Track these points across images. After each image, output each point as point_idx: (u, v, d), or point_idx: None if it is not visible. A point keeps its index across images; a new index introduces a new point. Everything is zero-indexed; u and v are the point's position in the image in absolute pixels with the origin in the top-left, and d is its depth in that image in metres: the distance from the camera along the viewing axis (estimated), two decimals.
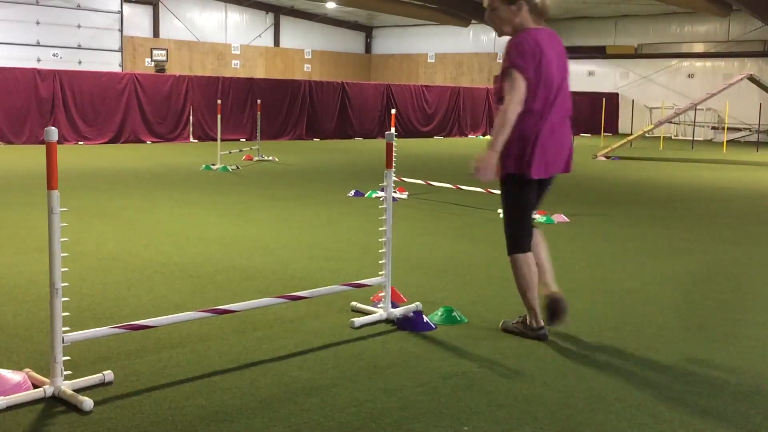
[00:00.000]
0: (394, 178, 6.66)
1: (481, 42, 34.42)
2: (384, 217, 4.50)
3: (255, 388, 3.45)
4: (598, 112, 26.04)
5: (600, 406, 3.34)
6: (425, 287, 5.32)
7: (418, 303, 4.65)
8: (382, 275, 4.52)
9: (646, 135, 20.94)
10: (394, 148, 4.76)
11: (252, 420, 3.13)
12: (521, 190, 4.28)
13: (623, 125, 29.72)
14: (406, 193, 10.04)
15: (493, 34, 33.16)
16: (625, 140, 18.77)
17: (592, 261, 6.41)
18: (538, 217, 8.30)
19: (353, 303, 4.72)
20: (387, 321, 4.45)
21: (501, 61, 4.22)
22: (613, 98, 29.39)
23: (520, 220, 4.34)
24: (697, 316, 4.84)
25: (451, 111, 24.47)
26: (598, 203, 10.09)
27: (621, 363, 3.91)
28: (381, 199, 4.65)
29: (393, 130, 6.34)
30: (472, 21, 32.35)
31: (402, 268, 5.63)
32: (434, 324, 4.42)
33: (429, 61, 35.74)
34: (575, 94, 27.78)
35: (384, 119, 22.17)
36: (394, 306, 4.55)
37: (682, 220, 8.85)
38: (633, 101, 28.62)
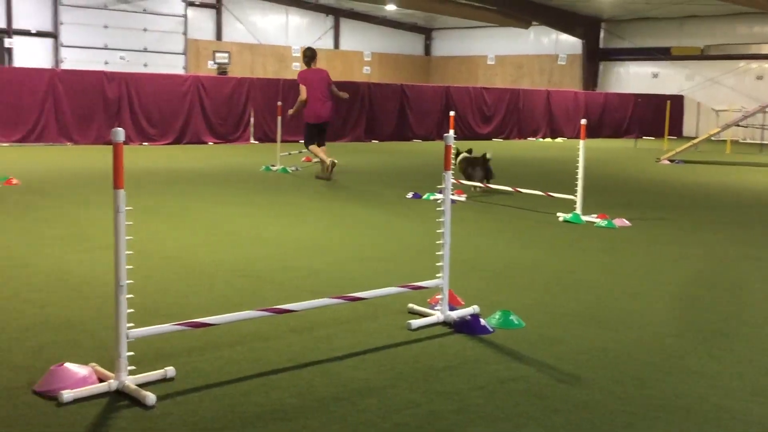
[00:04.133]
0: (453, 181, 6.64)
1: (542, 44, 34.07)
2: (442, 219, 4.50)
3: (312, 388, 3.48)
4: (661, 115, 25.49)
5: (662, 415, 3.28)
6: (483, 290, 5.29)
7: (475, 306, 4.63)
8: (439, 277, 4.51)
9: (712, 138, 20.43)
10: (452, 151, 4.74)
11: (309, 419, 3.16)
12: None
13: (688, 128, 29.03)
14: (464, 195, 10.01)
15: (555, 35, 32.97)
16: (689, 143, 18.34)
17: (654, 266, 6.28)
18: (598, 221, 8.18)
19: (410, 305, 4.73)
20: (444, 323, 4.45)
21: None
22: (677, 101, 28.74)
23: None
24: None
25: (511, 113, 24.26)
26: (661, 207, 9.88)
27: (685, 371, 3.82)
28: (439, 201, 4.64)
29: (452, 132, 6.31)
30: (533, 23, 32.04)
31: (459, 271, 5.61)
32: (491, 327, 4.39)
33: (488, 63, 35.53)
34: (638, 95, 27.25)
35: (443, 121, 22.12)
36: (451, 308, 4.54)
37: (748, 226, 8.60)
38: (699, 104, 27.95)
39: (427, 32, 37.72)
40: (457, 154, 10.56)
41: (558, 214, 8.57)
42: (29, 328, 4.19)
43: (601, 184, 12.06)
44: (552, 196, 9.04)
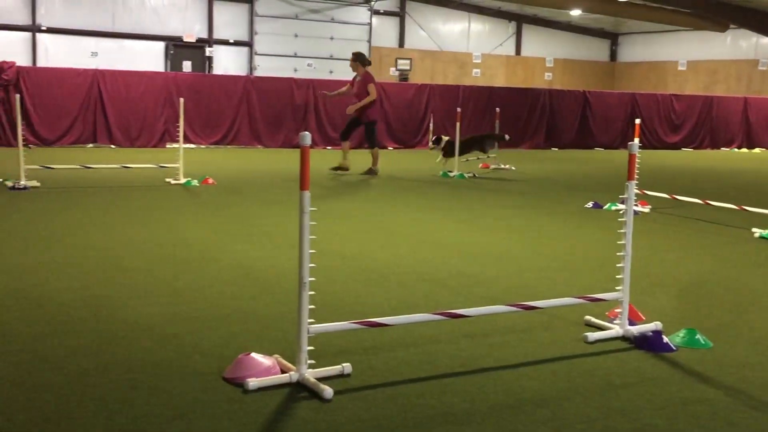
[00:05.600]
0: (636, 191, 6.39)
1: (739, 48, 31.97)
2: (623, 231, 4.34)
3: (484, 394, 3.47)
4: None
5: None
6: (666, 306, 5.04)
7: (657, 322, 4.42)
8: (619, 290, 4.35)
9: None
10: (637, 160, 4.57)
11: (481, 425, 3.15)
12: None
13: None
14: (649, 206, 9.58)
15: (755, 38, 30.83)
16: None
17: None
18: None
19: (587, 317, 4.60)
20: (623, 338, 4.28)
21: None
22: None
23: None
24: None
25: (702, 122, 22.93)
26: None
27: None
28: (621, 211, 4.48)
29: (636, 140, 6.07)
30: (731, 25, 30.13)
31: (641, 285, 5.38)
32: (675, 346, 4.18)
33: (679, 68, 33.82)
34: None
35: (627, 129, 21.31)
36: (631, 323, 4.37)
37: None
38: None
39: (613, 37, 36.51)
40: (439, 138, 13.43)
41: (753, 229, 8.00)
42: (221, 318, 4.48)
43: None
44: (747, 210, 8.46)
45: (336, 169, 12.46)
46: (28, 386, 3.39)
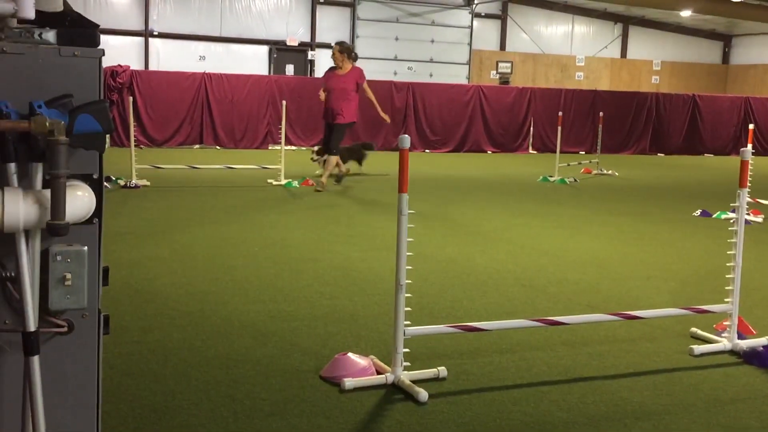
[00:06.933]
0: (749, 199, 6.11)
1: None
2: (734, 241, 4.16)
3: (583, 404, 3.40)
4: None
5: None
6: None
7: None
8: (728, 302, 4.18)
9: None
10: (750, 166, 4.37)
11: None
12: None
13: None
14: (762, 216, 9.15)
15: None
16: None
17: None
18: None
19: (693, 329, 4.43)
20: (731, 352, 4.11)
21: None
22: None
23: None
24: None
25: None
26: None
27: None
28: (731, 221, 4.30)
29: (750, 146, 5.82)
30: None
31: (752, 298, 5.15)
32: None
33: None
34: None
35: (740, 135, 20.42)
36: (740, 337, 4.18)
37: None
38: None
39: (726, 39, 35.08)
40: None
41: None
42: (319, 317, 4.55)
43: None
44: None
45: (338, 178, 11.15)
46: (136, 376, 3.54)
